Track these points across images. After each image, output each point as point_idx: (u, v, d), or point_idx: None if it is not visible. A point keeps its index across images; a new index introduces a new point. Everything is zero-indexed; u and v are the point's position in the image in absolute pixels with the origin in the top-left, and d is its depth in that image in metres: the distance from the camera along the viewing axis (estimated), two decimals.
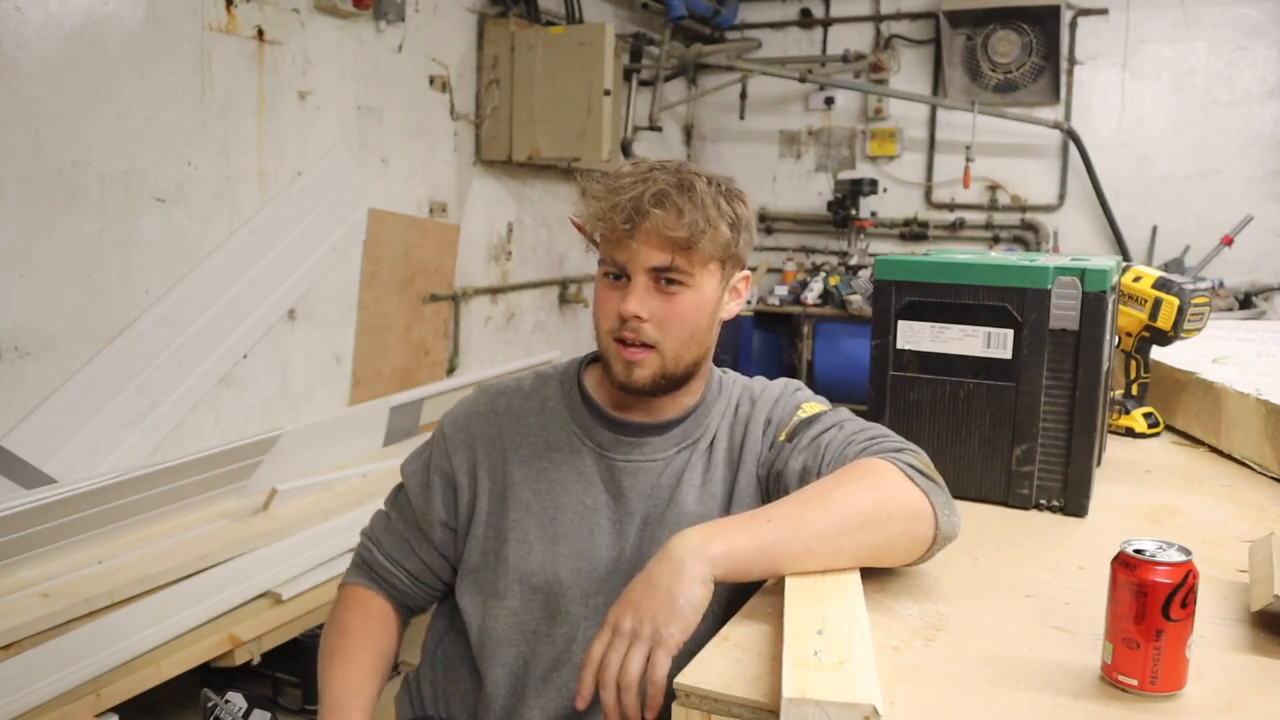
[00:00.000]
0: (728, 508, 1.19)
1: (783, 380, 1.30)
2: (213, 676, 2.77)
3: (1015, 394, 1.34)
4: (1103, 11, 5.26)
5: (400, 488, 1.30)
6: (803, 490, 1.07)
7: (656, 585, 0.95)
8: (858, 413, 1.24)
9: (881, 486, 1.04)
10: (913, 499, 1.04)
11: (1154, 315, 1.67)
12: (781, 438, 1.19)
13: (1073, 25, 5.31)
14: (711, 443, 1.23)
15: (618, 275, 1.15)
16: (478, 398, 1.28)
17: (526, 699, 1.17)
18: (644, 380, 1.16)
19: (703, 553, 0.96)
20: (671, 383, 1.18)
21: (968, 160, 5.32)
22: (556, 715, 1.17)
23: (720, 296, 1.19)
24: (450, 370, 4.30)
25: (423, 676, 1.29)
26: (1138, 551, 0.84)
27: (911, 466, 1.07)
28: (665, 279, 1.13)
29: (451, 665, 1.25)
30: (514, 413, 1.25)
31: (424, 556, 1.26)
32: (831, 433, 1.16)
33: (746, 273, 1.23)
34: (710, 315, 1.18)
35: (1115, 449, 1.67)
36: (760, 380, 1.30)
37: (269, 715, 2.04)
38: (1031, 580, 1.11)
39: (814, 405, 1.24)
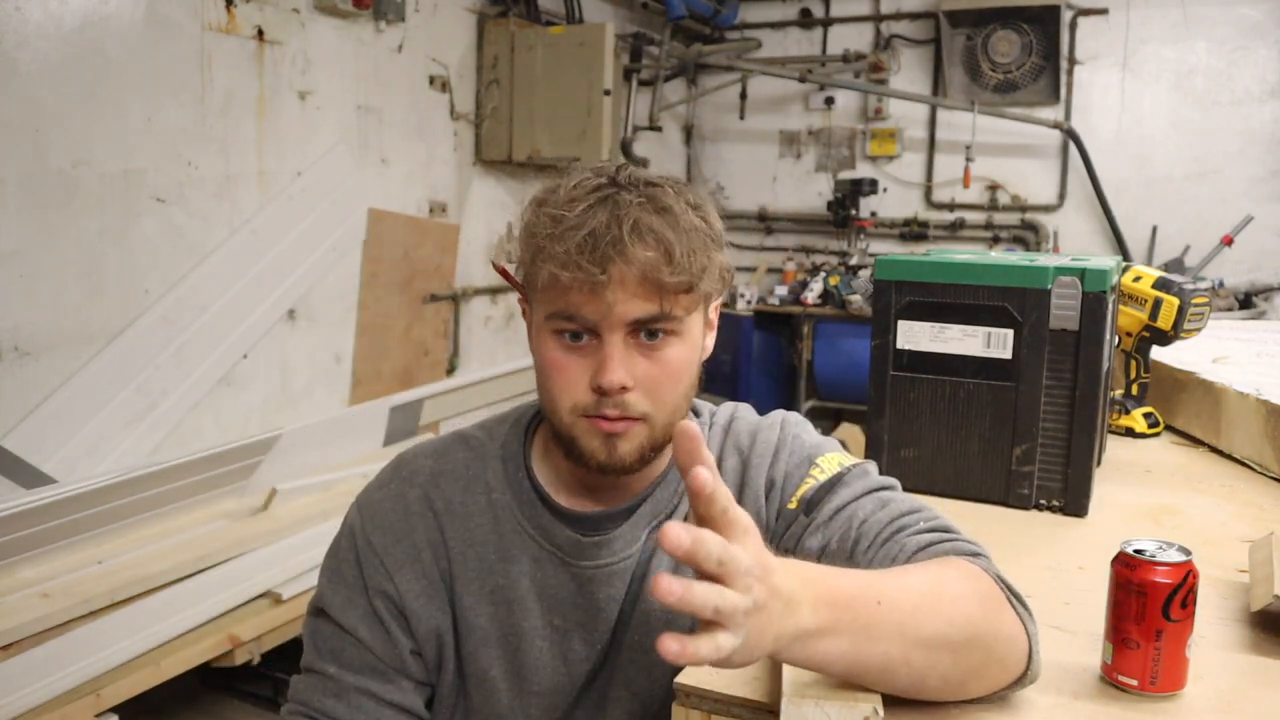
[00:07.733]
0: None
1: (777, 420, 1.03)
2: (213, 676, 2.78)
3: (1015, 394, 1.34)
4: (1103, 11, 5.25)
5: (334, 632, 0.99)
6: (906, 576, 0.80)
7: (770, 629, 0.66)
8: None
9: (987, 600, 0.80)
10: (1013, 623, 0.80)
11: (1154, 315, 1.67)
12: (792, 505, 0.96)
13: (1073, 25, 5.31)
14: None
15: (578, 334, 0.89)
16: (404, 489, 1.00)
17: None
18: (630, 457, 0.91)
19: (807, 645, 0.69)
20: (657, 452, 0.95)
21: (968, 160, 5.31)
22: None
23: (703, 336, 0.96)
24: (450, 370, 4.31)
25: None
26: (1138, 551, 0.84)
27: (1004, 583, 0.83)
28: (647, 332, 0.89)
29: None
30: (454, 512, 0.99)
31: (406, 702, 0.99)
32: (863, 505, 0.93)
33: (718, 301, 0.98)
34: (699, 362, 0.95)
35: (1115, 449, 1.67)
36: (743, 419, 1.04)
37: None
38: (1031, 580, 1.11)
39: (830, 459, 0.98)
